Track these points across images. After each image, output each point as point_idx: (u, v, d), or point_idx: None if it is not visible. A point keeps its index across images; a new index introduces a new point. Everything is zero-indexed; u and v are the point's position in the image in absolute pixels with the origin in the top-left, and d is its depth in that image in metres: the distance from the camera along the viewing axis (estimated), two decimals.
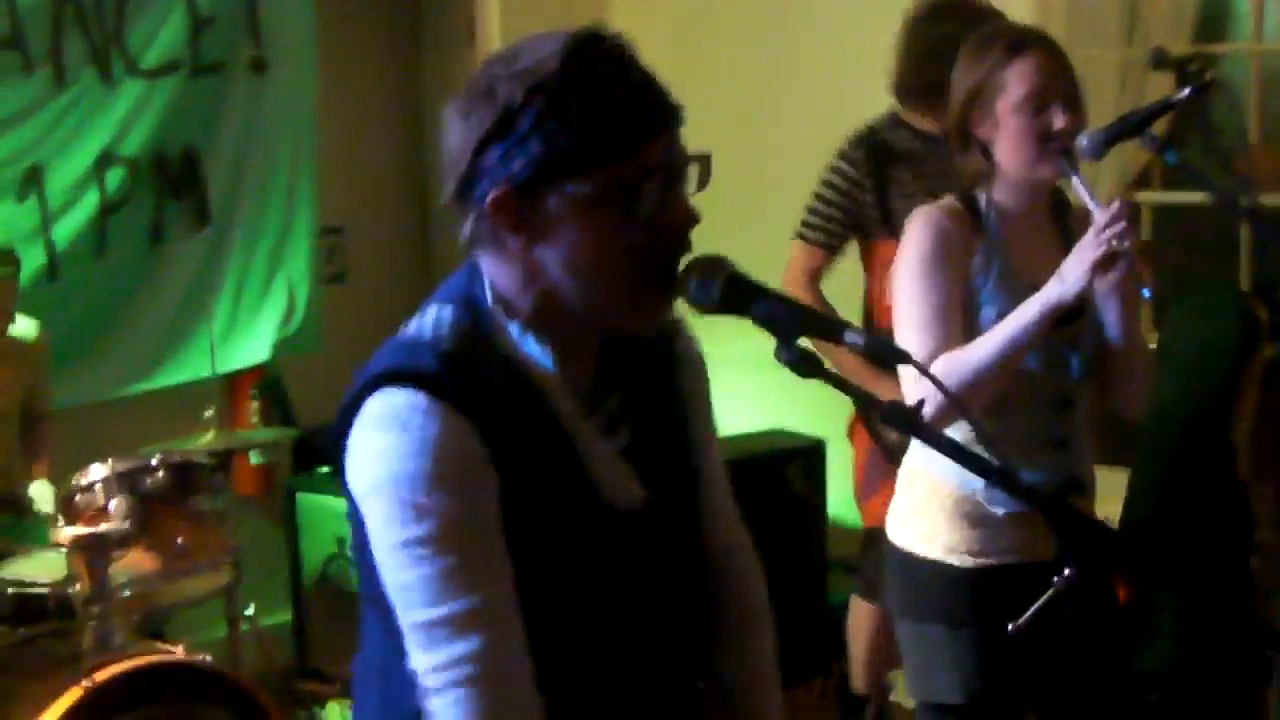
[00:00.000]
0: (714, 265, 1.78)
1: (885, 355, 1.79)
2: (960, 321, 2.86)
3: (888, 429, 3.99)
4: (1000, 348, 2.76)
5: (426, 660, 1.77)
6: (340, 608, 4.85)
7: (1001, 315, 2.82)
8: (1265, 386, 4.86)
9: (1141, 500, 4.39)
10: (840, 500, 4.82)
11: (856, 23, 5.06)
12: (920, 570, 2.97)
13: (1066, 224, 3.01)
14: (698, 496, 2.06)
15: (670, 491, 1.97)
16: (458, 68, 5.96)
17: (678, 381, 2.04)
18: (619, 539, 1.90)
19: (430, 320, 1.84)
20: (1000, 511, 2.90)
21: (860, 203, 4.02)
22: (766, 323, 1.75)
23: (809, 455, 5.03)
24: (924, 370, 1.79)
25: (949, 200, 2.95)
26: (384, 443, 1.74)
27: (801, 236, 4.08)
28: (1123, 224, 2.68)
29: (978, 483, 2.89)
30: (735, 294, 1.77)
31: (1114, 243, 2.67)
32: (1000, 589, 2.90)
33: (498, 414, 1.77)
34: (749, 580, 2.19)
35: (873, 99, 4.14)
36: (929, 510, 2.96)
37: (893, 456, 3.98)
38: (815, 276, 4.07)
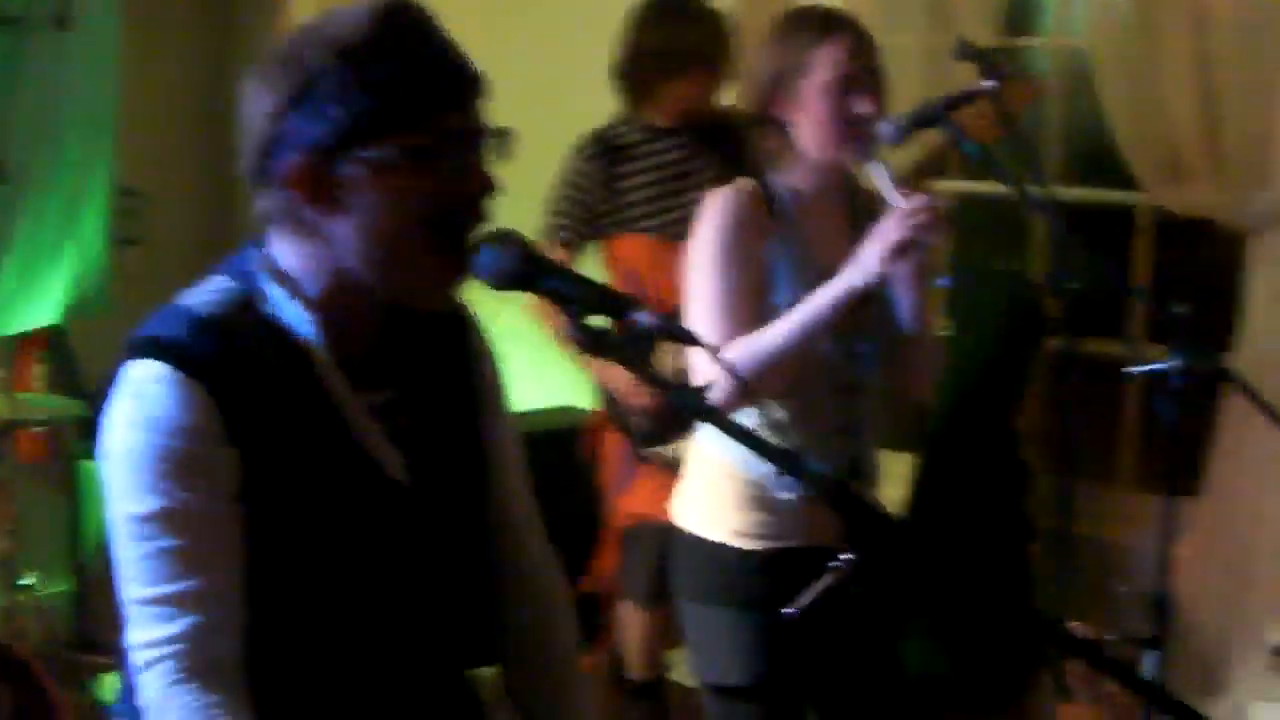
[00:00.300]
0: (506, 239, 1.78)
1: (678, 337, 1.78)
2: (754, 305, 2.88)
3: (640, 419, 4.01)
4: (795, 332, 2.79)
5: (138, 636, 1.77)
6: None
7: (796, 300, 2.84)
8: (1054, 378, 5.00)
9: (926, 485, 4.49)
10: None
11: None
12: (707, 553, 2.99)
13: (855, 208, 3.04)
14: (485, 487, 2.05)
15: (450, 484, 1.97)
16: (265, 32, 5.85)
17: (470, 373, 2.04)
18: (386, 510, 1.89)
19: (203, 289, 1.84)
20: (787, 496, 2.93)
21: (596, 200, 4.13)
22: (557, 299, 1.76)
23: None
24: (715, 354, 1.79)
25: (744, 182, 2.95)
26: (125, 413, 1.75)
27: (545, 235, 4.13)
28: (925, 215, 2.71)
29: (766, 467, 2.90)
30: (526, 269, 1.76)
31: (915, 232, 2.71)
32: (786, 573, 2.93)
33: (253, 387, 1.76)
34: (544, 576, 2.19)
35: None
36: (717, 494, 2.98)
37: (640, 451, 4.03)
38: None
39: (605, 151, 4.14)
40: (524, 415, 4.73)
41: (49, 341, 5.37)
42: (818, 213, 2.98)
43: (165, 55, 5.96)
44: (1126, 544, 4.41)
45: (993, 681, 4.41)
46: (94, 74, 5.16)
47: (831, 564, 1.70)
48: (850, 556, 1.66)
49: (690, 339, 1.79)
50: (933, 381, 3.13)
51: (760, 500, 2.95)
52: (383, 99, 1.73)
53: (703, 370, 2.83)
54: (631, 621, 4.42)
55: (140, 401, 1.74)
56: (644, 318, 1.72)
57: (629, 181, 4.13)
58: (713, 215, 2.91)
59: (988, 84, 2.92)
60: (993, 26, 4.77)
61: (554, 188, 4.17)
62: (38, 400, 5.11)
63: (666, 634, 4.32)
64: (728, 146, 3.07)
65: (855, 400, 3.02)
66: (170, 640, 1.74)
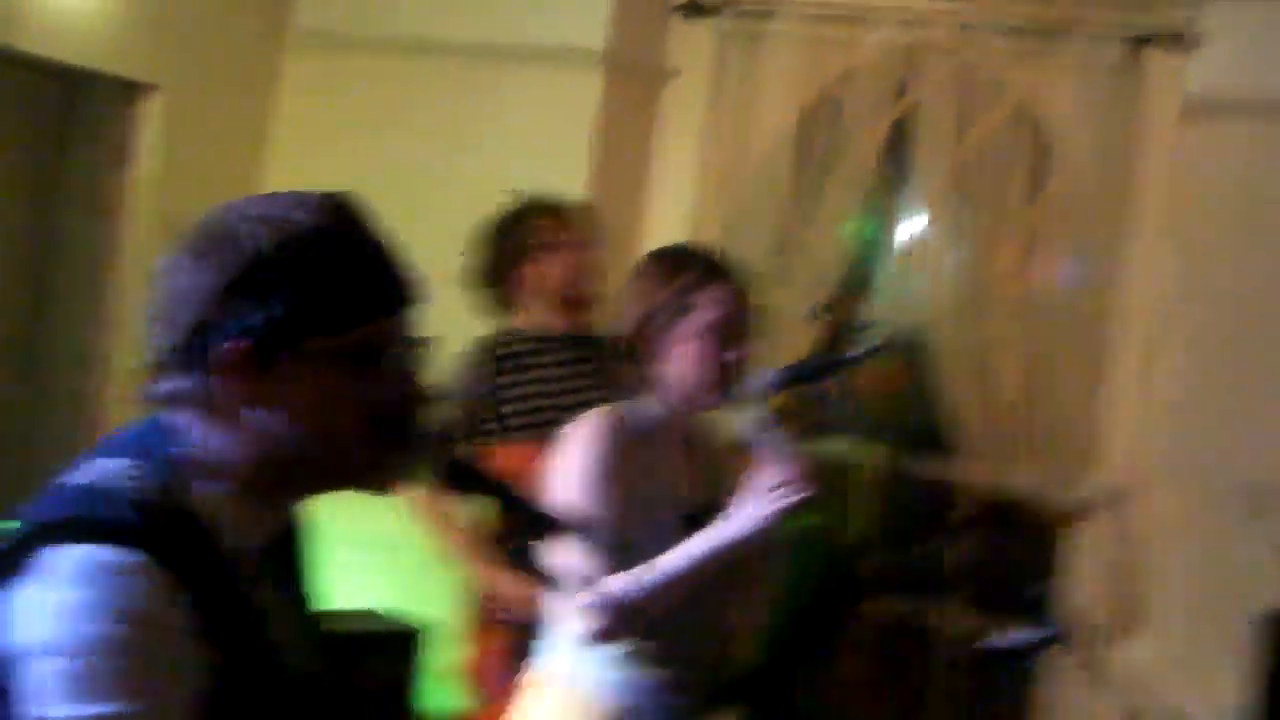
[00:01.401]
0: (444, 442, 1.75)
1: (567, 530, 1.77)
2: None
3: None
4: (672, 579, 2.77)
5: None
6: None
7: (657, 532, 2.82)
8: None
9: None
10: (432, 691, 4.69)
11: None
12: None
13: (689, 439, 3.03)
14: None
15: (318, 655, 1.89)
16: (102, 186, 5.69)
17: (304, 555, 1.94)
18: (297, 707, 1.79)
19: (108, 472, 1.63)
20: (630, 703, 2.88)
21: (480, 408, 4.15)
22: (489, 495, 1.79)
23: (399, 642, 4.89)
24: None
25: (611, 409, 2.93)
26: (71, 601, 1.49)
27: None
28: (806, 476, 2.74)
29: (630, 699, 2.89)
30: (458, 476, 1.79)
31: (802, 493, 2.73)
32: None
33: (195, 578, 1.59)
34: None
35: None
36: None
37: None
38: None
39: (491, 360, 4.19)
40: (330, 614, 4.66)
41: None
42: (670, 445, 2.97)
43: None
44: None
45: None
46: None
47: None
48: None
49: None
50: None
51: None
52: (332, 293, 1.65)
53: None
54: None
55: (97, 589, 1.49)
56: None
57: (512, 391, 4.17)
58: (586, 439, 2.87)
59: (857, 354, 2.99)
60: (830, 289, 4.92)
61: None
62: None
63: None
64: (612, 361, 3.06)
65: (720, 635, 3.03)
66: None
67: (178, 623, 1.54)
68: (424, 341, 1.77)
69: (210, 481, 1.68)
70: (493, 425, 4.14)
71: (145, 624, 1.50)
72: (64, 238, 5.87)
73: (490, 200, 5.39)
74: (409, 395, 1.74)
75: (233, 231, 1.64)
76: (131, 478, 1.62)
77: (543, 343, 4.23)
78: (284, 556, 1.87)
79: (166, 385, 1.67)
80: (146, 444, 1.68)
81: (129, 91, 5.57)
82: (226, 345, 1.62)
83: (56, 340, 5.86)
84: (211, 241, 1.65)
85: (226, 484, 1.69)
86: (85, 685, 1.47)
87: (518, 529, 1.74)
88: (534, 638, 3.86)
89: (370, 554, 4.89)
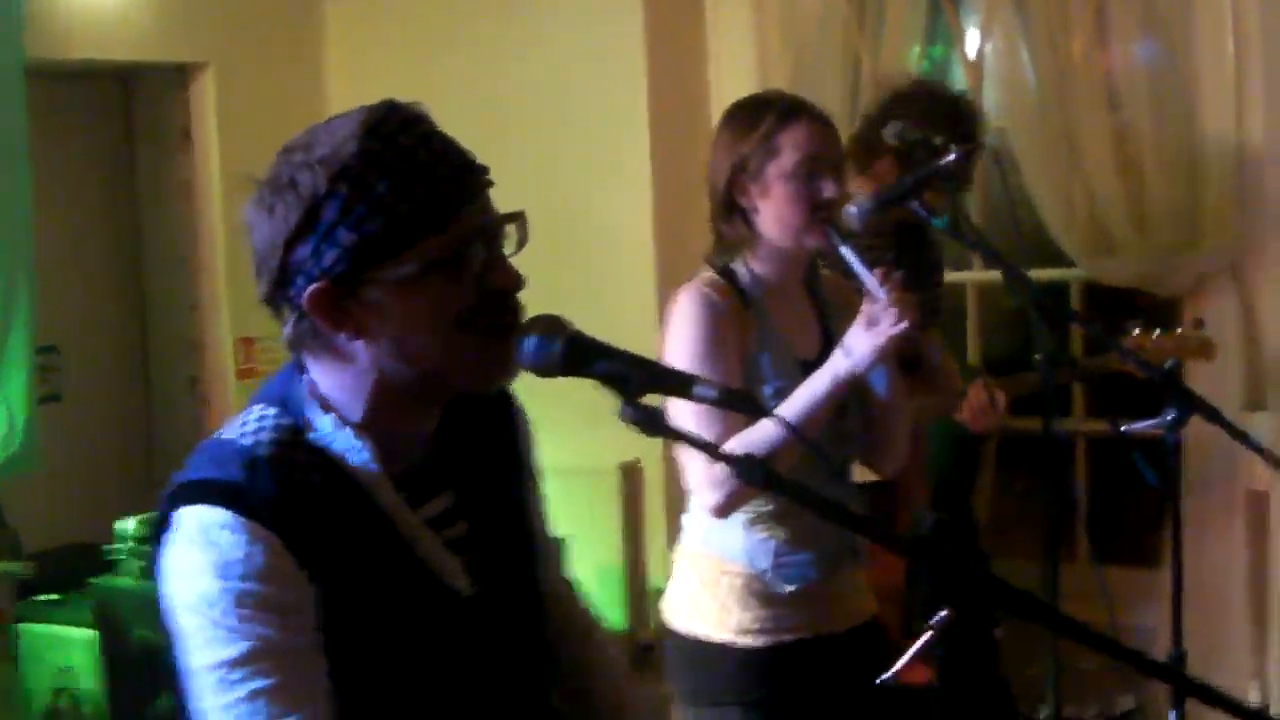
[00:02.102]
0: (552, 325, 1.73)
1: (740, 408, 1.75)
2: None
3: None
4: (794, 423, 2.72)
5: None
6: None
7: (780, 391, 2.80)
8: (1000, 464, 5.03)
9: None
10: None
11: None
12: (710, 654, 2.92)
13: (817, 293, 3.01)
14: (538, 581, 2.02)
15: (509, 579, 1.94)
16: (172, 175, 5.79)
17: (517, 457, 2.01)
18: (456, 625, 1.85)
19: (244, 421, 1.77)
20: (788, 589, 2.89)
21: None
22: (611, 381, 1.70)
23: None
24: (786, 424, 1.76)
25: (709, 275, 2.90)
26: (194, 560, 1.68)
27: None
28: (910, 306, 2.68)
29: (765, 562, 2.89)
30: (577, 353, 1.71)
31: (907, 322, 2.67)
32: (792, 666, 2.90)
33: (315, 519, 1.71)
34: (592, 639, 2.16)
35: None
36: (717, 592, 2.92)
37: None
38: None
39: None
40: None
41: None
42: (785, 300, 2.94)
43: (75, 210, 5.88)
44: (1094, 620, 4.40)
45: None
46: (7, 227, 5.06)
47: (931, 621, 1.66)
48: (948, 613, 1.61)
49: (757, 409, 1.75)
50: (905, 454, 3.08)
51: (761, 595, 2.90)
52: (391, 215, 1.67)
53: (701, 468, 2.79)
54: None
55: (211, 549, 1.67)
56: (705, 391, 1.68)
57: None
58: (686, 314, 2.84)
59: (951, 159, 2.91)
60: None
61: None
62: None
63: None
64: None
65: (843, 484, 2.99)
66: None
67: (278, 570, 1.67)
68: (498, 227, 1.77)
69: (335, 415, 1.76)
70: None
71: (243, 577, 1.66)
72: (147, 228, 5.96)
73: (550, 102, 5.42)
74: (492, 290, 1.74)
75: (290, 178, 1.69)
76: (256, 427, 1.75)
77: None
78: (472, 470, 1.91)
79: (286, 329, 1.75)
80: (281, 385, 1.80)
81: (182, 74, 5.63)
82: (309, 288, 1.68)
83: (160, 329, 5.97)
84: (274, 191, 1.70)
85: (350, 416, 1.76)
86: (212, 634, 1.67)
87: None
88: None
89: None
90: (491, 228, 1.75)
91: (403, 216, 1.67)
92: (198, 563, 1.67)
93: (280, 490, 1.70)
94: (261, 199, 1.71)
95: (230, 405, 5.52)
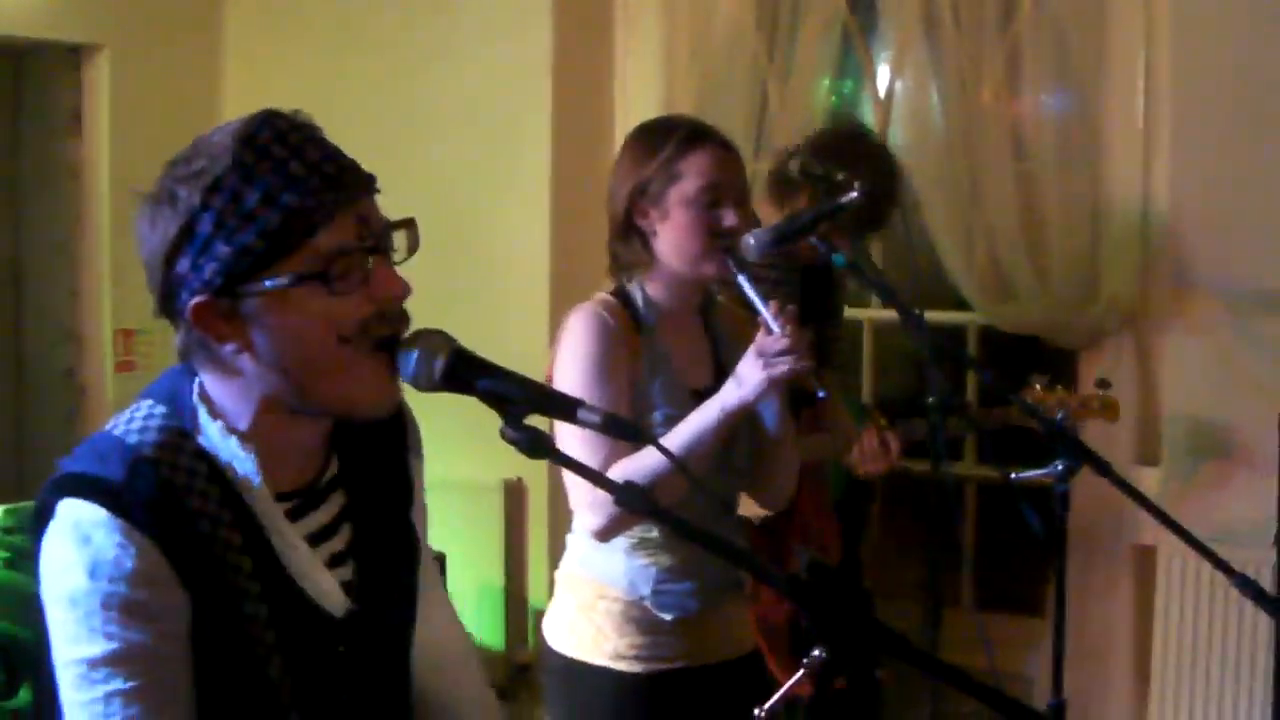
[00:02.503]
0: (436, 340, 1.71)
1: (624, 435, 1.69)
2: None
3: None
4: (680, 452, 2.67)
5: None
6: None
7: (670, 418, 2.76)
8: (886, 504, 5.00)
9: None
10: None
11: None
12: (587, 678, 2.86)
13: (712, 320, 2.98)
14: (416, 598, 2.00)
15: (389, 596, 1.92)
16: (59, 160, 5.64)
17: (406, 466, 1.99)
18: (322, 646, 1.83)
19: (134, 418, 1.76)
20: (668, 617, 2.84)
21: None
22: (494, 399, 1.68)
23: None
24: (667, 453, 1.72)
25: (604, 297, 2.87)
26: (66, 556, 1.67)
27: None
28: (803, 339, 2.64)
29: (645, 588, 2.84)
30: (460, 370, 1.69)
31: (798, 356, 2.63)
32: (669, 694, 2.86)
33: (192, 525, 1.70)
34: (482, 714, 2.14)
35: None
36: (594, 616, 2.87)
37: None
38: None
39: None
40: None
41: None
42: (679, 327, 2.91)
43: None
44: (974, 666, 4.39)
45: None
46: None
47: (805, 660, 1.60)
48: (821, 654, 1.57)
49: (639, 435, 1.71)
50: (791, 487, 3.05)
51: (641, 622, 2.84)
52: (262, 227, 1.65)
53: (584, 490, 2.72)
54: None
55: (84, 546, 1.66)
56: (589, 416, 1.65)
57: None
58: (579, 334, 2.80)
59: (853, 196, 2.87)
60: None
61: None
62: None
63: None
64: None
65: (728, 518, 2.96)
66: None
67: (149, 574, 1.66)
68: (381, 232, 1.74)
69: (222, 423, 1.75)
70: None
71: (113, 578, 1.65)
72: (30, 211, 5.80)
73: (453, 112, 5.34)
74: (374, 299, 1.71)
75: (170, 192, 1.69)
76: (142, 424, 1.74)
77: None
78: (362, 481, 1.90)
79: (177, 340, 1.75)
80: (170, 385, 1.79)
81: (75, 55, 5.49)
82: (190, 301, 1.68)
83: (36, 316, 5.81)
84: (155, 205, 1.70)
85: (237, 425, 1.76)
86: (77, 631, 1.66)
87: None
88: None
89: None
90: (372, 236, 1.72)
91: (274, 230, 1.65)
92: (70, 559, 1.66)
93: (159, 493, 1.68)
94: (145, 212, 1.71)
95: (107, 398, 5.41)
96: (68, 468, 1.72)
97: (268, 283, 1.66)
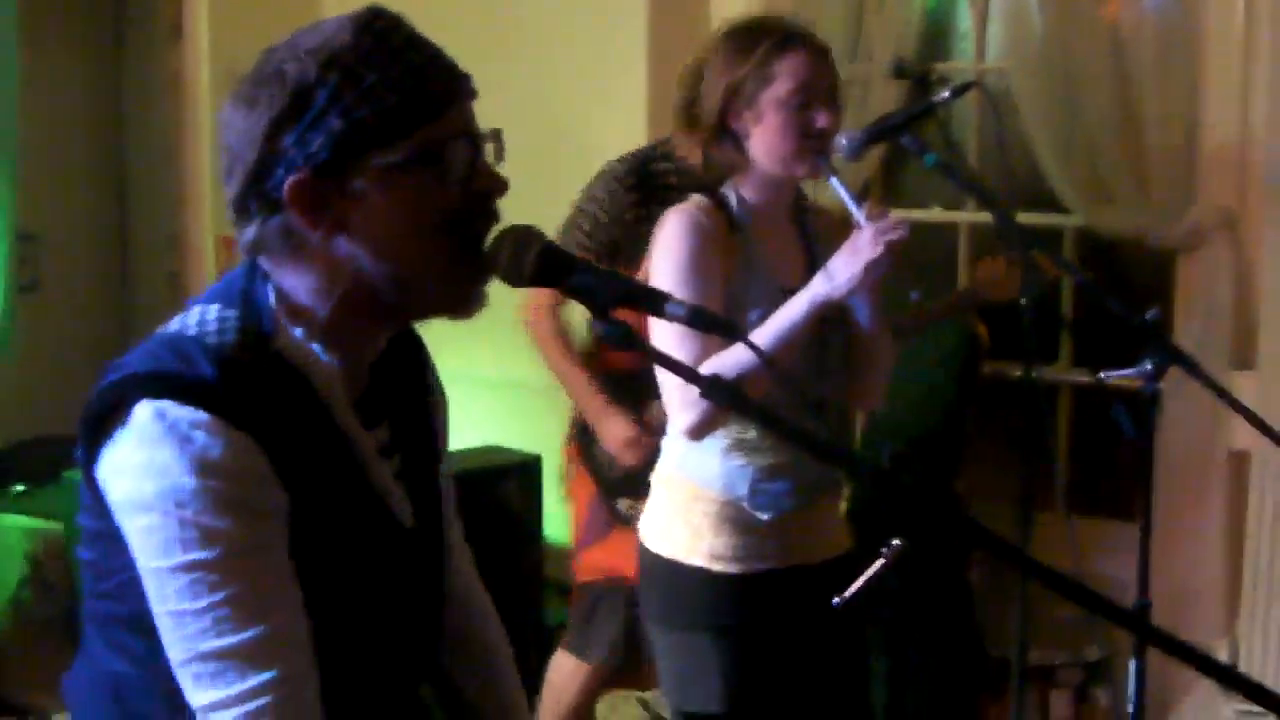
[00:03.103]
0: (526, 235, 1.71)
1: (710, 328, 1.72)
2: None
3: (608, 463, 3.90)
4: (769, 347, 2.71)
5: (213, 694, 1.63)
6: (34, 634, 4.54)
7: (763, 317, 2.78)
8: (981, 404, 4.99)
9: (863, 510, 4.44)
10: (558, 518, 4.72)
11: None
12: (682, 578, 2.91)
13: (804, 223, 2.99)
14: (444, 529, 2.02)
15: (430, 518, 1.93)
16: (161, 68, 5.71)
17: (429, 403, 2.00)
18: (399, 555, 1.84)
19: (201, 319, 1.69)
20: (764, 517, 2.88)
21: (622, 232, 3.82)
22: (582, 293, 1.69)
23: (525, 471, 4.94)
24: (754, 348, 1.74)
25: (700, 198, 2.89)
26: (162, 457, 1.58)
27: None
28: (895, 233, 2.66)
29: (741, 489, 2.87)
30: (549, 264, 1.70)
31: (889, 250, 2.65)
32: (764, 595, 2.90)
33: (281, 427, 1.65)
34: (475, 590, 2.17)
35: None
36: (691, 517, 2.91)
37: (615, 512, 3.92)
38: (559, 300, 3.85)
39: (643, 184, 3.84)
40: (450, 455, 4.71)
41: None
42: (772, 228, 2.93)
43: (58, 93, 5.80)
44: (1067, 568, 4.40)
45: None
46: None
47: (883, 550, 1.63)
48: (899, 543, 1.59)
49: (727, 329, 1.73)
50: (884, 386, 3.06)
51: (737, 522, 2.88)
52: (382, 105, 1.64)
53: (677, 389, 2.76)
54: (570, 675, 4.18)
55: (185, 445, 1.58)
56: (675, 309, 1.66)
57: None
58: (674, 234, 2.83)
59: (944, 96, 2.87)
60: (911, 51, 4.76)
61: (577, 205, 3.93)
62: None
63: (592, 701, 4.26)
64: None
65: (822, 414, 2.98)
66: (254, 693, 1.62)
67: (254, 471, 1.61)
68: (485, 136, 1.74)
69: (298, 324, 1.71)
70: (627, 256, 3.75)
71: (220, 476, 1.59)
72: (133, 121, 5.89)
73: (548, 24, 5.34)
74: (477, 192, 1.71)
75: (277, 69, 1.65)
76: (218, 327, 1.67)
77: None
78: (400, 405, 1.90)
79: (249, 232, 1.69)
80: (237, 290, 1.72)
81: None
82: (290, 179, 1.64)
83: (142, 222, 5.91)
84: (259, 84, 1.66)
85: (314, 325, 1.72)
86: (177, 535, 1.59)
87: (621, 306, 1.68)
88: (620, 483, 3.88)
89: (491, 391, 4.92)
90: (474, 135, 1.72)
91: (391, 110, 1.64)
92: (167, 459, 1.58)
93: (252, 393, 1.63)
94: (242, 93, 1.67)
95: None
96: (141, 367, 1.65)
97: (378, 159, 1.64)
